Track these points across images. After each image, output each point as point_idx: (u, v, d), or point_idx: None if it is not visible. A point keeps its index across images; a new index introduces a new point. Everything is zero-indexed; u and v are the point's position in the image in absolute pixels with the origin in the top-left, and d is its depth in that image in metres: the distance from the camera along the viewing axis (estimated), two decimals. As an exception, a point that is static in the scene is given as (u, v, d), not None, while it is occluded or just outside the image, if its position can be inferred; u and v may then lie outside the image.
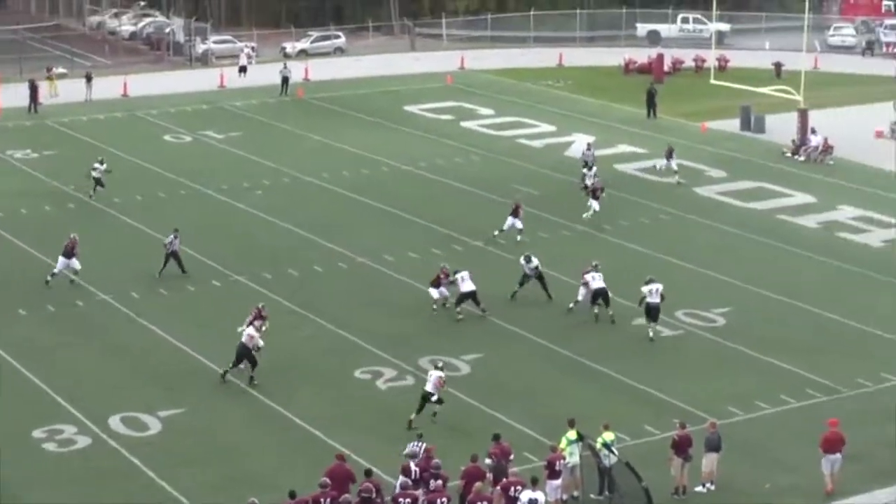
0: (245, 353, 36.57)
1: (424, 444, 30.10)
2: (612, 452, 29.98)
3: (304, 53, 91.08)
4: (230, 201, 54.66)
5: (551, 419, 33.02)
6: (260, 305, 39.05)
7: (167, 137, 66.92)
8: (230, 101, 75.44)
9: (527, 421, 34.17)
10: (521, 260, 43.35)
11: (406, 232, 50.69)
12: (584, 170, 54.97)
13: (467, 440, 31.79)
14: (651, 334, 40.08)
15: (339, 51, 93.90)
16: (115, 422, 34.24)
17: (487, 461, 29.56)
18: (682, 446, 30.79)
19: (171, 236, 45.34)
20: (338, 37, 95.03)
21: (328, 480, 28.05)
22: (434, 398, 34.10)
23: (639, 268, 45.72)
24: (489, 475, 29.10)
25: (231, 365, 36.74)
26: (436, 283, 42.02)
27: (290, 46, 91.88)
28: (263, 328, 37.80)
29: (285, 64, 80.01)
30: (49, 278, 44.17)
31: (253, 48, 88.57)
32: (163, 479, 31.40)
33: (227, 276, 45.44)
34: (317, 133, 67.21)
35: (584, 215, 51.38)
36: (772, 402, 35.76)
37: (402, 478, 28.73)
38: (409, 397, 35.75)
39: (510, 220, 49.05)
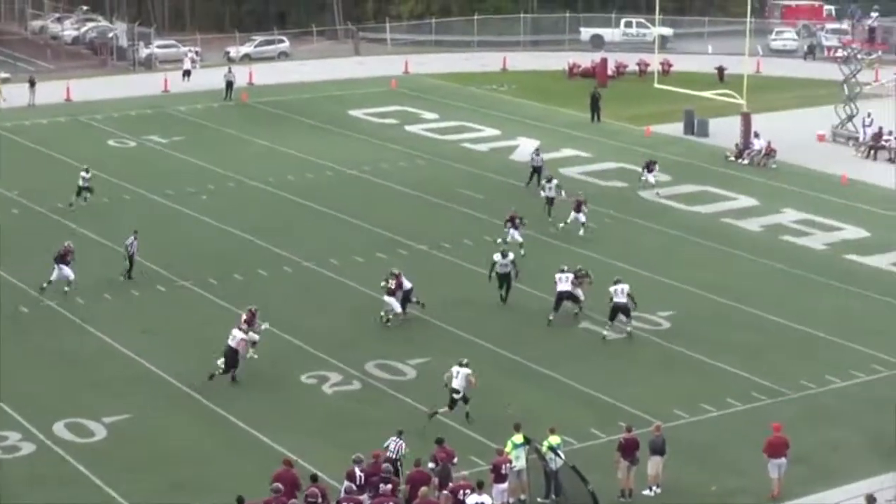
0: (233, 357, 36.59)
1: (403, 443, 30.33)
2: (559, 455, 30.06)
3: (247, 58, 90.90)
4: (175, 206, 54.43)
5: (497, 423, 33.05)
6: (253, 308, 38.84)
7: (111, 142, 66.55)
8: (174, 105, 75.12)
9: (473, 425, 34.18)
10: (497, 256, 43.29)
11: (351, 236, 50.65)
12: (544, 181, 53.76)
13: (414, 444, 31.75)
14: (629, 329, 40.71)
15: (284, 55, 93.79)
16: (59, 428, 34.00)
17: (431, 465, 29.59)
18: (627, 449, 30.89)
19: (131, 238, 45.16)
20: (282, 41, 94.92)
21: (281, 486, 28.00)
22: (459, 395, 34.24)
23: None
24: (434, 479, 29.13)
25: (222, 370, 36.67)
26: (391, 292, 41.71)
27: (234, 51, 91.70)
28: (250, 333, 37.63)
29: (230, 68, 79.79)
30: (45, 285, 43.71)
31: (197, 52, 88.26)
32: (108, 485, 31.21)
33: (173, 281, 45.24)
34: (262, 137, 67.06)
35: (563, 227, 50.94)
36: (717, 404, 35.95)
37: (346, 483, 28.70)
38: (355, 402, 35.80)
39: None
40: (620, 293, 40.45)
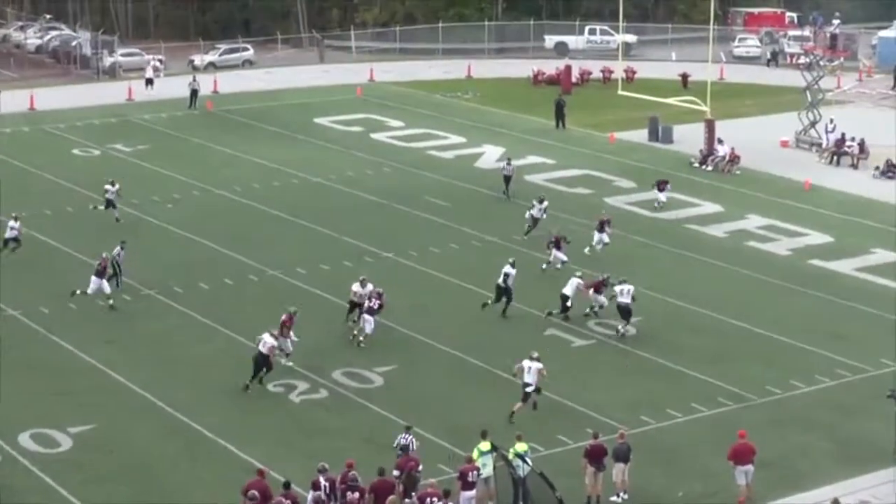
0: (263, 362, 36.86)
1: (413, 437, 30.95)
2: (526, 463, 30.10)
3: (212, 66, 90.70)
4: (140, 215, 54.26)
5: (465, 430, 33.07)
6: (292, 310, 39.10)
7: (75, 151, 66.32)
8: (139, 114, 74.92)
9: (441, 432, 34.19)
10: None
11: (317, 244, 50.61)
12: (535, 201, 52.10)
13: (381, 452, 31.76)
14: (622, 329, 41.22)
15: (248, 63, 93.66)
16: (24, 438, 33.84)
17: (395, 473, 29.59)
18: (594, 456, 30.95)
19: (118, 248, 45.19)
20: (246, 49, 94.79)
21: (257, 493, 28.00)
22: (532, 388, 34.94)
23: (550, 278, 46.05)
24: (399, 487, 29.13)
25: (251, 378, 36.86)
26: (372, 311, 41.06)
27: (199, 59, 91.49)
28: (281, 339, 37.94)
29: (194, 77, 79.65)
30: (77, 292, 43.47)
31: (161, 61, 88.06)
32: (74, 495, 31.08)
33: (138, 290, 45.07)
34: (227, 146, 66.94)
35: (589, 251, 49.24)
36: (683, 410, 36.07)
37: (312, 492, 28.70)
38: (323, 410, 35.76)
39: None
40: (625, 293, 41.12)
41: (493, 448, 30.61)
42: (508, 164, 58.15)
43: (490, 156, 65.60)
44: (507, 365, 38.65)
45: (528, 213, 51.59)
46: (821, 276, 47.44)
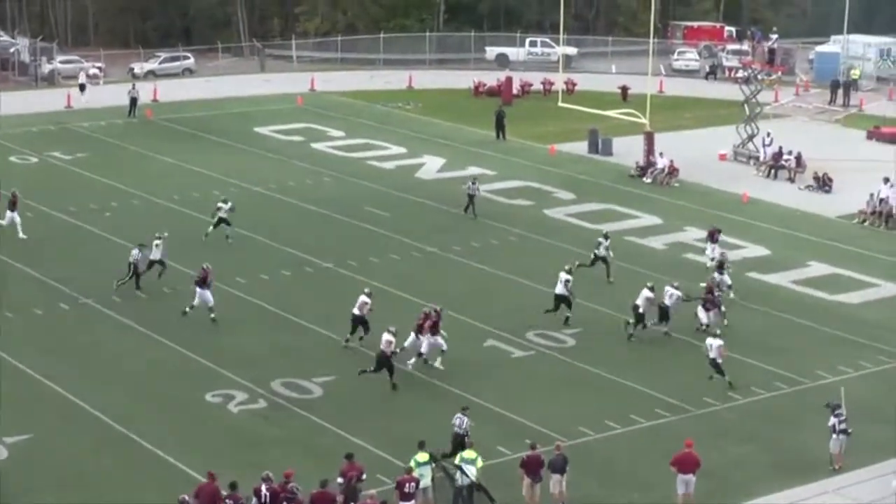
0: (385, 362, 37.68)
1: (467, 418, 32.49)
2: (465, 474, 30.15)
3: (152, 74, 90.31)
4: (78, 223, 53.91)
5: (404, 440, 33.05)
6: (438, 308, 39.85)
7: (13, 158, 65.79)
8: (77, 121, 74.48)
9: (380, 442, 34.18)
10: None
11: (257, 253, 50.45)
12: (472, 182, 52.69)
13: (320, 462, 31.73)
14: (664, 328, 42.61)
15: (188, 72, 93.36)
16: (-40, 449, 33.62)
17: (339, 480, 29.55)
18: (531, 467, 31.00)
19: (135, 250, 45.43)
20: (187, 58, 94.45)
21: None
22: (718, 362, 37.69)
23: (489, 289, 46.17)
24: (339, 497, 29.09)
25: (371, 369, 37.91)
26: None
27: (139, 67, 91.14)
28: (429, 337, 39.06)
29: (133, 85, 79.31)
30: (188, 310, 43.05)
31: (100, 68, 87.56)
32: (10, 506, 30.90)
33: (76, 298, 44.79)
34: (166, 154, 66.65)
35: (723, 295, 45.36)
36: (621, 421, 36.22)
37: (255, 499, 28.64)
38: (261, 420, 35.64)
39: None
40: (672, 297, 42.70)
41: (433, 459, 30.65)
42: (474, 183, 56.83)
43: (431, 166, 65.71)
44: (446, 375, 38.76)
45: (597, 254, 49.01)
46: (758, 289, 47.77)
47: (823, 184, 62.47)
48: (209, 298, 42.88)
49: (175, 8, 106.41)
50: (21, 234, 50.77)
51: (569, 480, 31.09)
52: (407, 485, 29.58)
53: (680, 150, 65.84)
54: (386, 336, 37.80)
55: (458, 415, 32.93)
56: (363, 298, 40.85)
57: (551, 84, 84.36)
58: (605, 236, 48.68)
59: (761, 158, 66.92)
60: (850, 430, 33.59)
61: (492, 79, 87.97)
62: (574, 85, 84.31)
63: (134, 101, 76.29)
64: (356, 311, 40.71)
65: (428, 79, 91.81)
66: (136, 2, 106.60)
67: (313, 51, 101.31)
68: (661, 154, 64.39)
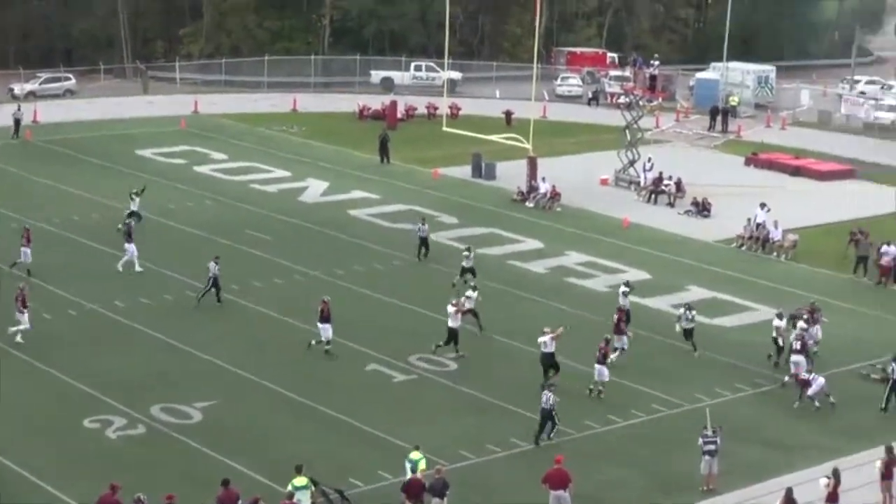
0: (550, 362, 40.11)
1: (552, 395, 35.98)
2: (346, 499, 30.22)
3: (32, 95, 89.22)
4: (-46, 246, 53.11)
5: (283, 464, 32.91)
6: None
7: None
8: (-45, 143, 73.47)
9: (259, 468, 34.05)
10: None
11: (137, 277, 49.98)
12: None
13: (199, 488, 31.54)
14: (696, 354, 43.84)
15: (70, 93, 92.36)
16: None
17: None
18: (412, 491, 31.13)
19: (212, 263, 46.69)
20: (68, 79, 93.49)
21: None
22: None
23: (373, 314, 46.20)
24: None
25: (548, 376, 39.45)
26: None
27: (19, 88, 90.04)
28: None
29: (19, 106, 78.42)
30: (312, 342, 42.80)
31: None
32: None
33: (-48, 324, 44.12)
34: (46, 177, 65.87)
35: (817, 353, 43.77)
36: (502, 445, 36.41)
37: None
38: (139, 446, 35.34)
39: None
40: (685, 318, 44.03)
41: (314, 483, 30.63)
42: (423, 223, 54.58)
43: (314, 190, 65.63)
44: (328, 400, 38.73)
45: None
46: (638, 313, 48.13)
47: (702, 209, 63.34)
48: (327, 333, 42.56)
49: (57, 28, 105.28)
50: None
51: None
52: (286, 510, 29.57)
53: (562, 175, 66.44)
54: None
55: (545, 392, 36.44)
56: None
57: (436, 108, 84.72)
58: (628, 285, 47.49)
59: (642, 183, 67.69)
60: (716, 451, 34.02)
61: (376, 102, 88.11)
62: (458, 109, 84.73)
63: (17, 122, 75.37)
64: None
65: (312, 102, 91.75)
66: (16, 21, 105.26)
67: (197, 73, 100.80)
68: (543, 179, 64.91)
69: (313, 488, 30.70)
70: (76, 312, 45.93)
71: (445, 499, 31.22)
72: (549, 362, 40.68)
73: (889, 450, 33.51)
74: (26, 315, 42.85)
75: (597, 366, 40.16)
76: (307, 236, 56.90)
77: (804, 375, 40.31)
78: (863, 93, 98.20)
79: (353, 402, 38.92)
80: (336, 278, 50.60)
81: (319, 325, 42.49)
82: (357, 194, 64.80)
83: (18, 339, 42.46)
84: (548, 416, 36.36)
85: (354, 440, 36.52)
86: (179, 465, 34.10)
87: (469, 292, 45.34)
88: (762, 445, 37.11)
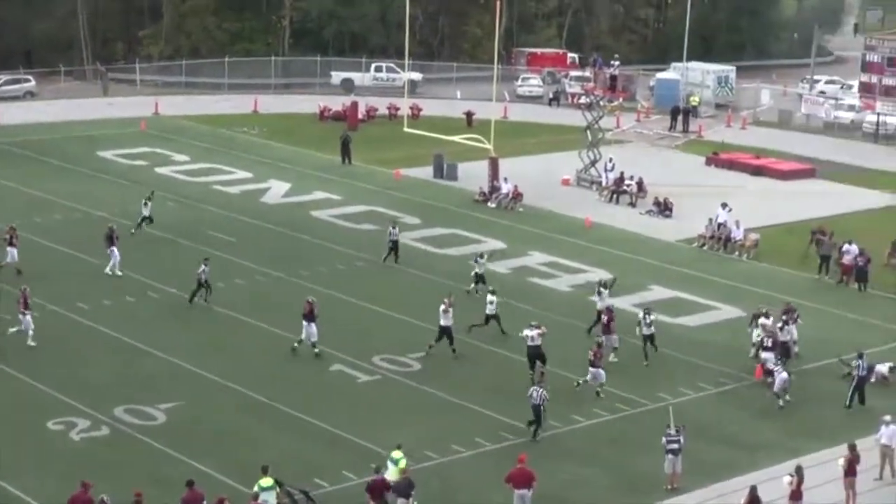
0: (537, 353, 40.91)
1: (544, 390, 36.89)
2: (311, 500, 30.22)
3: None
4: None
5: (250, 466, 32.90)
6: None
7: None
8: (-87, 144, 73.04)
9: (224, 469, 34.01)
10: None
11: (99, 279, 49.82)
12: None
13: (164, 489, 31.49)
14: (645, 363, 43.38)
15: (30, 95, 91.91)
16: None
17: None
18: (375, 491, 31.18)
19: (203, 266, 46.48)
20: (27, 80, 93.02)
21: None
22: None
23: (336, 315, 46.15)
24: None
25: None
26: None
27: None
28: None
29: (-19, 109, 78.15)
30: (296, 345, 42.80)
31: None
32: None
33: (-88, 327, 43.89)
34: (7, 178, 65.58)
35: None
36: (467, 444, 36.48)
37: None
38: (104, 447, 35.25)
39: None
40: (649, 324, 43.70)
41: (279, 483, 30.63)
42: (394, 227, 54.48)
43: (276, 191, 65.56)
44: (292, 400, 38.71)
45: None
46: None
47: (664, 208, 63.59)
48: (313, 333, 42.59)
49: (16, 30, 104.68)
50: None
51: (414, 504, 31.35)
52: (252, 510, 29.58)
53: (524, 175, 66.56)
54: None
55: (534, 388, 36.93)
56: None
57: (397, 109, 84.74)
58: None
59: (603, 183, 67.88)
60: (680, 450, 34.18)
61: (337, 103, 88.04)
62: (419, 110, 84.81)
63: (-19, 124, 75.17)
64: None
65: (273, 103, 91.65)
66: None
67: (157, 74, 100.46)
68: (505, 179, 65.03)
69: (278, 489, 30.71)
70: (38, 314, 45.62)
71: (411, 499, 31.28)
72: (536, 354, 41.06)
73: (852, 447, 33.82)
74: (28, 316, 42.73)
75: (591, 369, 40.29)
76: (269, 237, 56.84)
77: (770, 366, 40.65)
78: (823, 92, 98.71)
79: (317, 402, 38.93)
80: (300, 279, 50.55)
81: (304, 323, 42.74)
82: (319, 195, 64.78)
83: (30, 342, 42.32)
84: (536, 411, 36.71)
85: (319, 441, 36.52)
86: (144, 467, 34.03)
87: (489, 297, 45.24)
88: (726, 444, 37.32)
